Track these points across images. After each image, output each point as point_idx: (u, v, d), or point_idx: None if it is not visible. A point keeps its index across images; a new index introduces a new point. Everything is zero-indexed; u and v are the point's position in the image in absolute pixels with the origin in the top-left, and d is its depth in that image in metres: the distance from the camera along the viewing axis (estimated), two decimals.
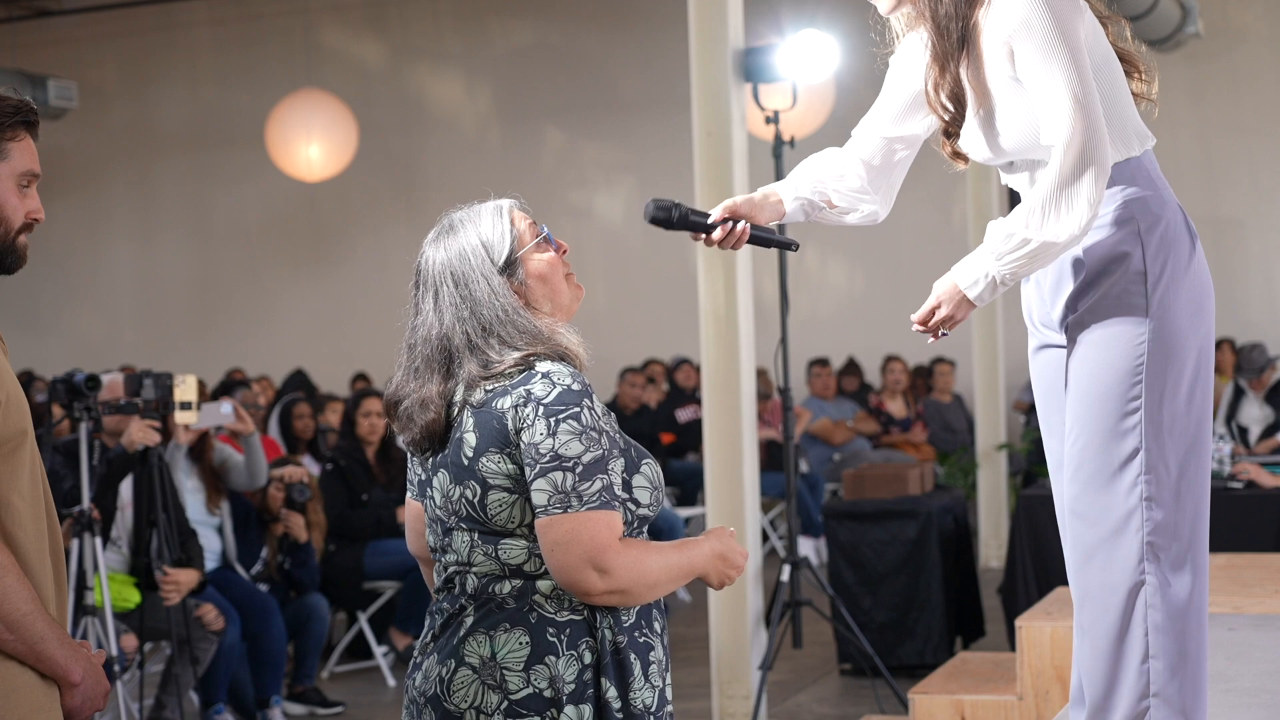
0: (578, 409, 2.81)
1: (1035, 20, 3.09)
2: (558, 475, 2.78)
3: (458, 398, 2.89)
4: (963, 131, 3.33)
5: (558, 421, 2.79)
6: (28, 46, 16.57)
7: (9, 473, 2.88)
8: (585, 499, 2.78)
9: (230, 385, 10.64)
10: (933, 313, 3.23)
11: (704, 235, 3.40)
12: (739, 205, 3.42)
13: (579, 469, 2.78)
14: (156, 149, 17.31)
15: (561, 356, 2.89)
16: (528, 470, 2.80)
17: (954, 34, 3.22)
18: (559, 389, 2.82)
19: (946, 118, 3.30)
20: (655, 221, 3.34)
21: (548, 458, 2.78)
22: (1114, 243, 3.23)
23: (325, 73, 15.96)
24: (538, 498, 2.79)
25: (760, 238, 3.44)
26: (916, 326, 3.26)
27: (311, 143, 13.80)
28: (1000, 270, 3.14)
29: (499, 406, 2.83)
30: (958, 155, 3.37)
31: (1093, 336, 3.26)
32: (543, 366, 2.85)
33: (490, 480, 2.84)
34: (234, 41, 17.03)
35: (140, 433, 6.64)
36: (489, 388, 2.85)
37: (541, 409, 2.80)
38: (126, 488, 7.02)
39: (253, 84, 16.50)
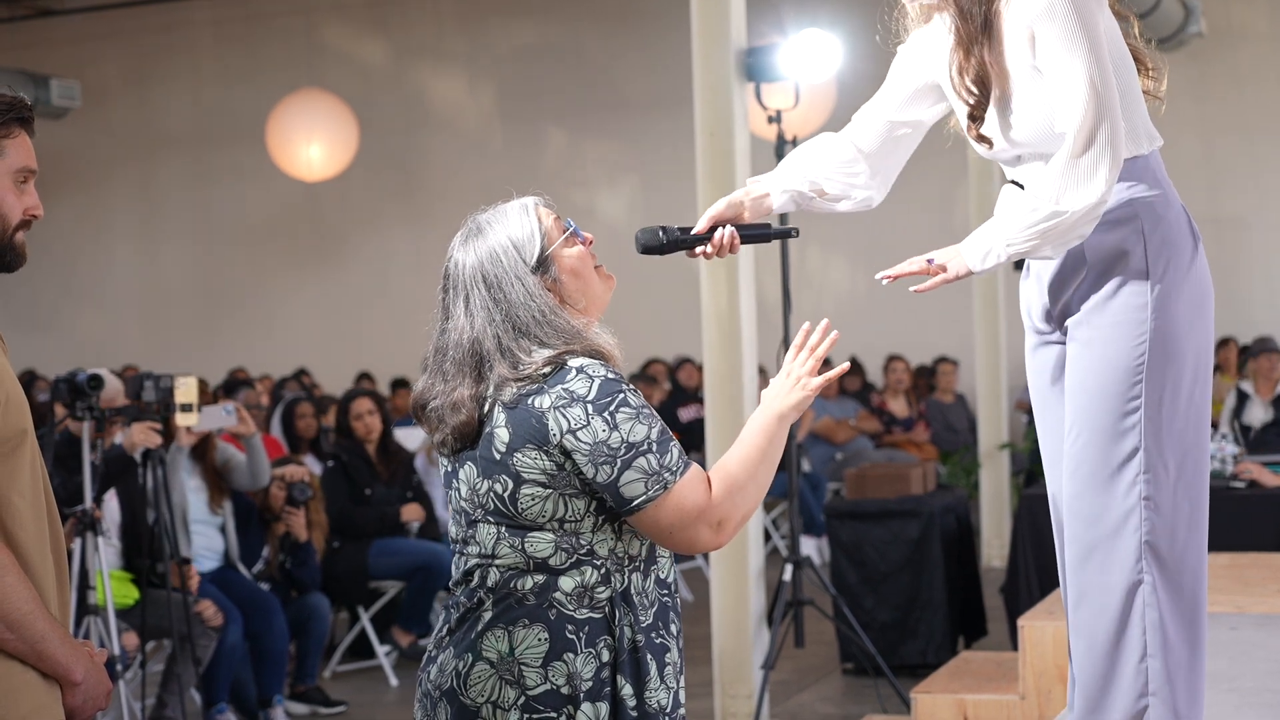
0: (622, 394, 2.84)
1: (1059, 8, 3.10)
2: (642, 461, 2.81)
3: (489, 397, 2.89)
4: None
5: (612, 413, 2.81)
6: (30, 46, 16.59)
7: (9, 472, 2.87)
8: (675, 469, 2.83)
9: (233, 385, 10.65)
10: (927, 272, 3.25)
11: (699, 250, 3.37)
12: (722, 213, 3.39)
13: (655, 446, 2.83)
14: (159, 148, 17.32)
15: (596, 355, 2.90)
16: (606, 469, 2.80)
17: (977, 18, 3.22)
18: (598, 381, 2.83)
19: (971, 101, 3.28)
20: (647, 250, 3.31)
21: (623, 450, 2.81)
22: (1116, 241, 3.23)
23: (327, 72, 15.97)
24: (634, 489, 2.81)
25: (753, 236, 3.40)
26: (899, 273, 3.27)
27: (313, 142, 13.79)
28: (1013, 246, 3.15)
29: (536, 405, 2.83)
30: (983, 139, 3.34)
31: (1093, 335, 3.26)
32: (575, 363, 2.86)
33: (525, 475, 2.84)
34: (236, 41, 17.04)
35: (141, 435, 6.63)
36: (521, 388, 2.85)
37: (591, 406, 2.81)
38: None
39: (255, 83, 16.51)
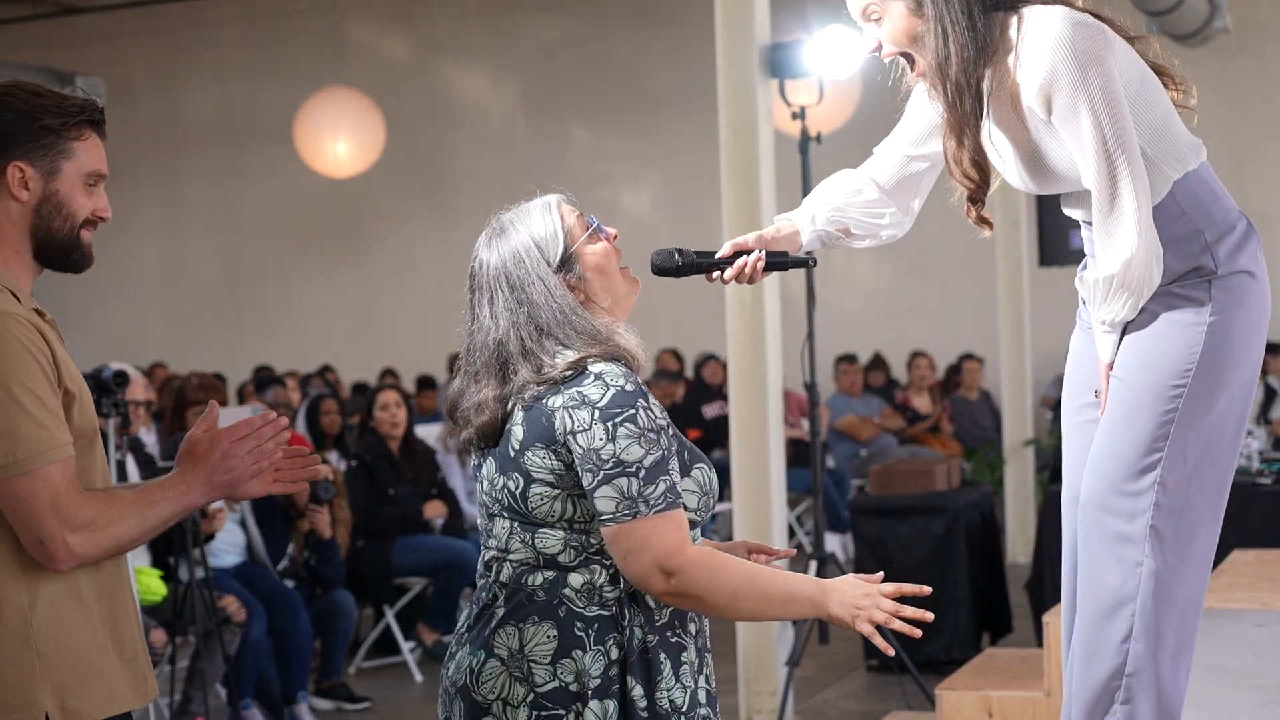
0: (633, 410, 2.80)
1: (1061, 68, 3.11)
2: (623, 481, 2.78)
3: (513, 397, 2.89)
4: (1009, 174, 3.35)
5: (615, 425, 2.78)
6: (55, 43, 16.65)
7: (83, 469, 2.90)
8: (652, 503, 2.78)
9: (264, 382, 10.68)
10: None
11: (717, 274, 3.35)
12: (749, 242, 3.39)
13: (642, 473, 2.78)
14: (184, 145, 17.38)
15: (618, 358, 2.88)
16: (588, 476, 2.79)
17: (966, 104, 3.23)
18: (613, 391, 2.81)
19: (971, 186, 3.31)
20: (661, 272, 3.27)
21: (610, 464, 2.78)
22: (1180, 254, 3.22)
23: (353, 69, 16.00)
24: (604, 505, 2.79)
25: (774, 264, 3.38)
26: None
27: (339, 139, 13.85)
28: (1106, 320, 3.22)
29: (549, 404, 2.83)
30: (983, 221, 3.39)
31: (1149, 329, 3.26)
32: (595, 368, 2.84)
33: (534, 474, 2.84)
34: (261, 38, 17.08)
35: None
36: (541, 390, 2.85)
37: (598, 413, 2.79)
38: (133, 471, 7.11)
39: (280, 80, 16.55)
